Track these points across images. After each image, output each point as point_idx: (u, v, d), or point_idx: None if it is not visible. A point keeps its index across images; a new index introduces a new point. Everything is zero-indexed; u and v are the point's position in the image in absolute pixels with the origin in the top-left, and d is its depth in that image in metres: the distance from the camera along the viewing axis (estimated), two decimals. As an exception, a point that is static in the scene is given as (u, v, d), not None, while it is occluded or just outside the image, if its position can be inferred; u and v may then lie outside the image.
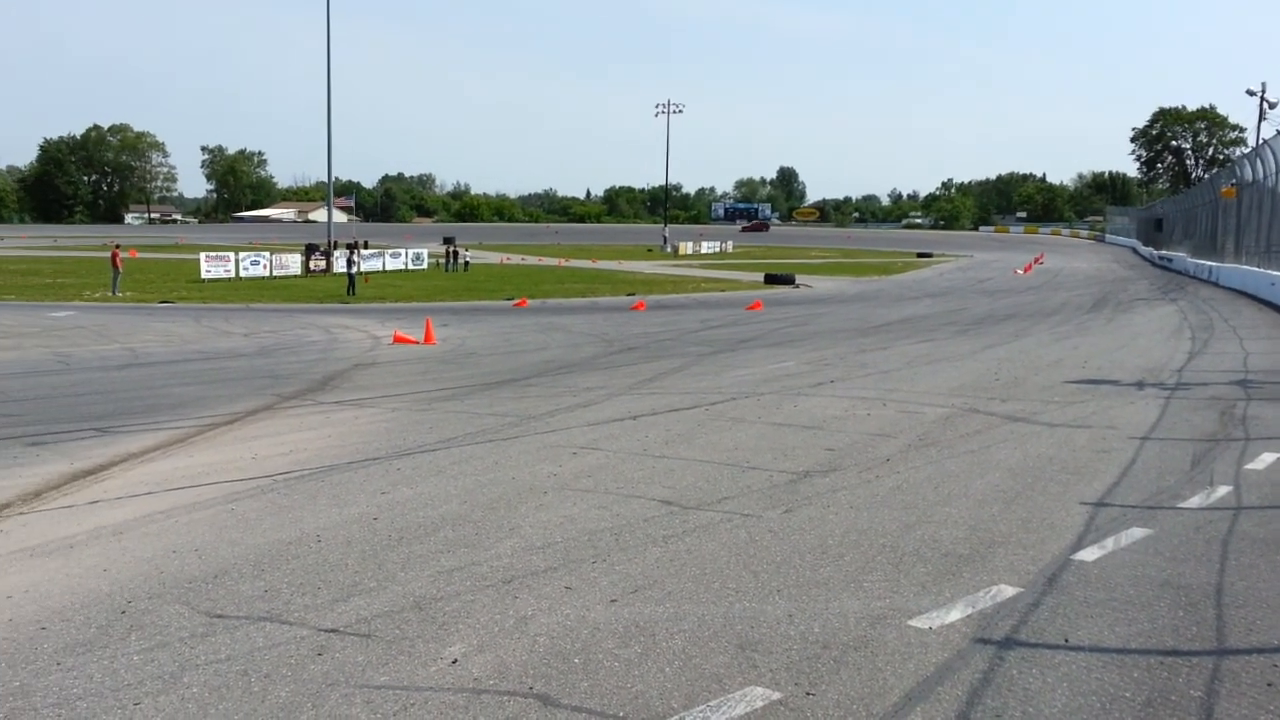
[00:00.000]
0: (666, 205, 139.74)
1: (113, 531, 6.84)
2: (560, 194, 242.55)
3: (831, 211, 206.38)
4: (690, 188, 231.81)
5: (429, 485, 8.22)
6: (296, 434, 10.70)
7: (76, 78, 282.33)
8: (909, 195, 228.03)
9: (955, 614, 5.33)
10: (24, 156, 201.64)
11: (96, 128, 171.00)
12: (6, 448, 9.80)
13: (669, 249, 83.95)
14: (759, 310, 30.90)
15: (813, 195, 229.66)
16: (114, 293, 35.02)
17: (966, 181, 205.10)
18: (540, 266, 61.53)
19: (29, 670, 4.55)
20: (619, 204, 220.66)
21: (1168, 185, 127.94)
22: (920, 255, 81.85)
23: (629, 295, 37.84)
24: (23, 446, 9.87)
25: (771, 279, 47.33)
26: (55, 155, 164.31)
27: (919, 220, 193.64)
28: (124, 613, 5.28)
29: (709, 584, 5.82)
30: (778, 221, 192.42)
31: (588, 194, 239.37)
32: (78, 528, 6.94)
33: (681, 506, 7.56)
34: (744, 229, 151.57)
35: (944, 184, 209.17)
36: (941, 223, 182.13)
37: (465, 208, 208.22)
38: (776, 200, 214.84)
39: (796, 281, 46.59)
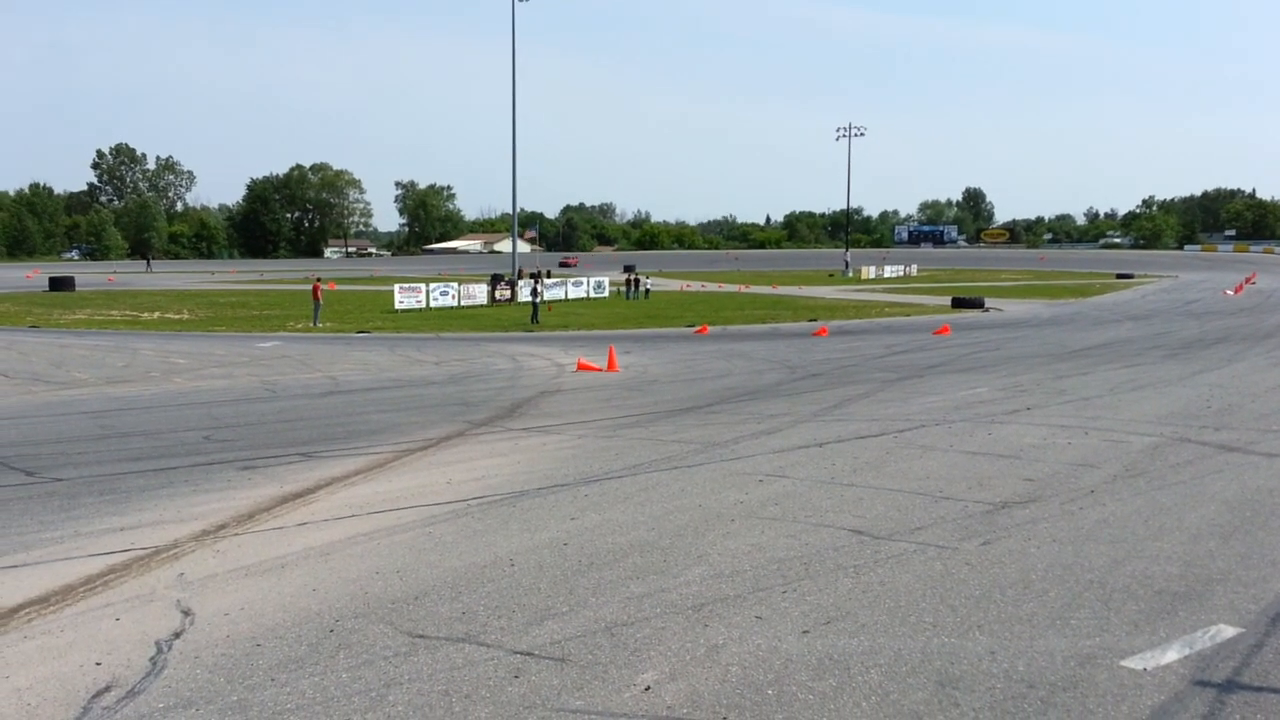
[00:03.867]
0: (848, 229, 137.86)
1: (320, 552, 7.17)
2: (739, 220, 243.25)
3: (1022, 232, 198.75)
4: (872, 211, 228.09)
5: (617, 511, 8.29)
6: (487, 460, 11.00)
7: (281, 120, 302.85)
8: (1106, 214, 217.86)
9: (1171, 654, 4.98)
10: (233, 195, 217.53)
11: (299, 167, 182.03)
12: (221, 471, 10.45)
13: (850, 273, 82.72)
14: (946, 335, 29.97)
15: (1001, 216, 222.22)
16: (315, 323, 37.02)
17: (1169, 198, 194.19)
18: (720, 293, 61.67)
19: (245, 685, 4.80)
20: (799, 229, 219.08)
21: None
22: (1119, 276, 77.77)
23: (811, 320, 37.44)
24: (236, 470, 10.50)
25: (959, 302, 45.89)
26: (261, 194, 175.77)
27: (1117, 240, 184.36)
28: (332, 631, 5.52)
29: (904, 617, 5.62)
30: (964, 243, 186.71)
31: (767, 220, 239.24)
32: (288, 548, 7.31)
33: (872, 536, 7.35)
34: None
35: (1144, 201, 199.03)
36: (1142, 242, 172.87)
37: (645, 235, 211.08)
38: (963, 222, 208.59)
39: (986, 305, 45.00)
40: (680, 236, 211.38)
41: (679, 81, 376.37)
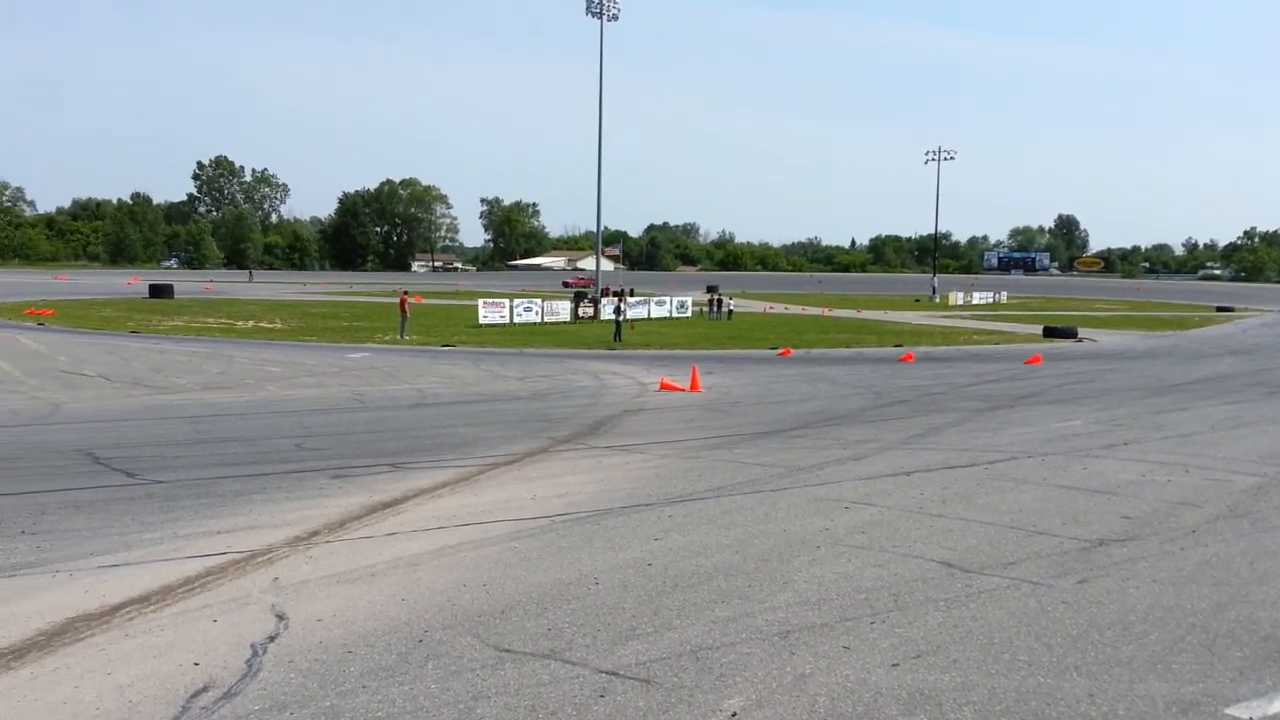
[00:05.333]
0: (935, 254, 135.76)
1: (409, 563, 7.26)
2: (824, 243, 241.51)
3: (1117, 261, 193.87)
4: (961, 236, 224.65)
5: (700, 533, 8.25)
6: (571, 477, 11.05)
7: (373, 136, 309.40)
8: (1205, 244, 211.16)
9: (1278, 704, 4.77)
10: (325, 208, 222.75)
11: (389, 182, 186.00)
12: (313, 479, 10.66)
13: (937, 299, 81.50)
14: (1038, 364, 29.32)
15: (1096, 244, 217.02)
16: (402, 336, 37.72)
17: (1271, 230, 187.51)
18: (803, 316, 61.27)
19: (338, 692, 4.87)
20: (885, 253, 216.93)
21: None
22: (1219, 309, 75.38)
23: (896, 346, 36.97)
24: (328, 479, 10.71)
25: (1051, 332, 44.89)
26: (352, 208, 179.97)
27: (1217, 271, 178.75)
28: (421, 641, 5.58)
29: (998, 654, 5.48)
30: (1056, 271, 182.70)
31: (852, 243, 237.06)
32: (377, 557, 7.42)
33: (963, 569, 7.19)
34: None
35: (1245, 233, 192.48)
36: (1242, 275, 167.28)
37: (728, 256, 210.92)
38: (1056, 249, 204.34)
39: (1079, 335, 43.95)
40: (764, 258, 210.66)
41: (767, 102, 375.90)
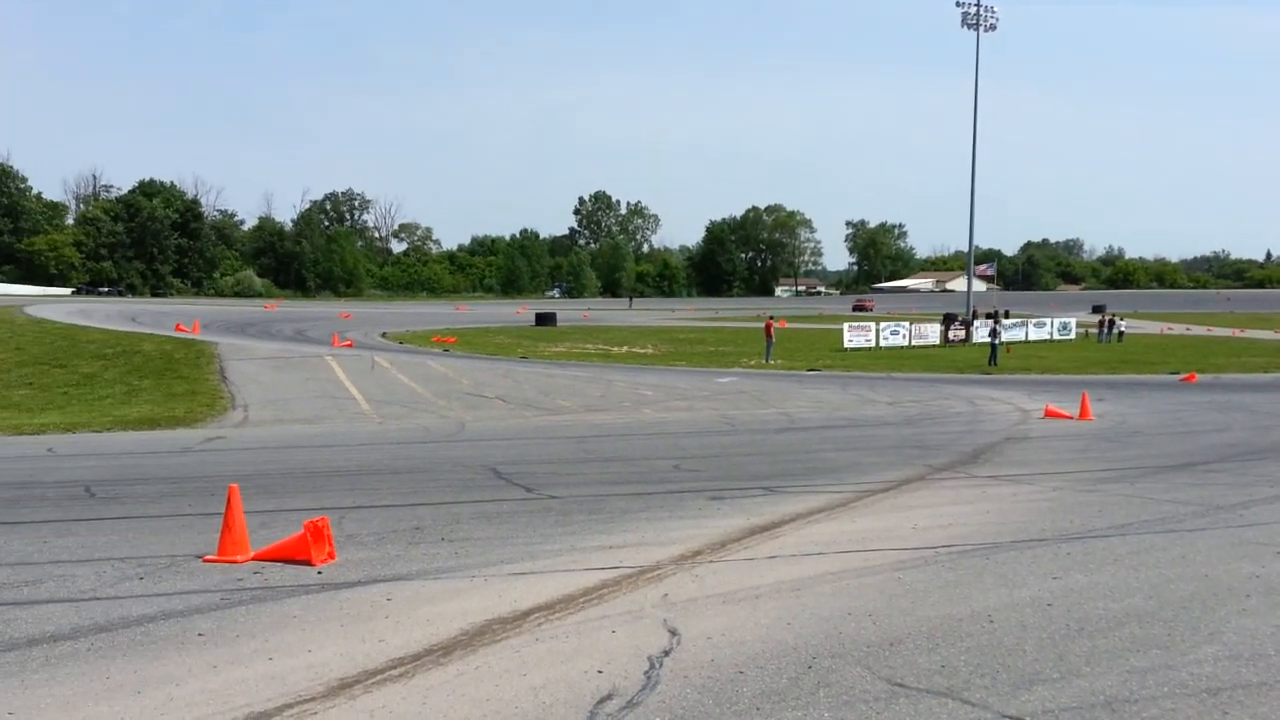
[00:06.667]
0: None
1: (791, 587, 7.23)
2: (1233, 256, 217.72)
3: None
4: None
5: (1105, 574, 7.57)
6: (953, 506, 10.58)
7: (739, 165, 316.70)
8: None
9: None
10: (693, 237, 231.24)
11: (754, 208, 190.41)
12: (693, 499, 10.93)
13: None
14: None
15: None
16: (767, 360, 38.21)
17: None
18: (1208, 337, 55.40)
19: (733, 711, 4.90)
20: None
21: None
22: None
23: (1327, 372, 32.41)
24: (706, 500, 10.94)
25: None
26: (718, 235, 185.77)
27: None
28: (810, 668, 5.51)
29: None
30: None
31: (1268, 256, 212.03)
32: (759, 580, 7.45)
33: None
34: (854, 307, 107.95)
35: None
36: None
37: (1117, 273, 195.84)
38: None
39: None
40: (1159, 274, 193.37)
41: (1155, 103, 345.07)
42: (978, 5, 61.41)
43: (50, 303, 64.14)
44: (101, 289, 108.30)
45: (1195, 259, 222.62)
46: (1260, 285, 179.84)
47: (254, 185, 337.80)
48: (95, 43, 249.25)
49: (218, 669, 5.43)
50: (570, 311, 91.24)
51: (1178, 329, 64.15)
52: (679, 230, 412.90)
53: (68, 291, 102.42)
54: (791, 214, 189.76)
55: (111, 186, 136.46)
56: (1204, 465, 13.38)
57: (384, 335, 52.21)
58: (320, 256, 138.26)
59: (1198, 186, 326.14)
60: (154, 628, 6.13)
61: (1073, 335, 55.07)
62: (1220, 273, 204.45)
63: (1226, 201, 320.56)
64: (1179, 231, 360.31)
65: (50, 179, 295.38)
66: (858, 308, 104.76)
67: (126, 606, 6.54)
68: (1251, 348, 45.93)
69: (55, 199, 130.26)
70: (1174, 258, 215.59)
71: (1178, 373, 32.42)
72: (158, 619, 6.29)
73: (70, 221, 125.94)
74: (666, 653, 5.70)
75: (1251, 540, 8.72)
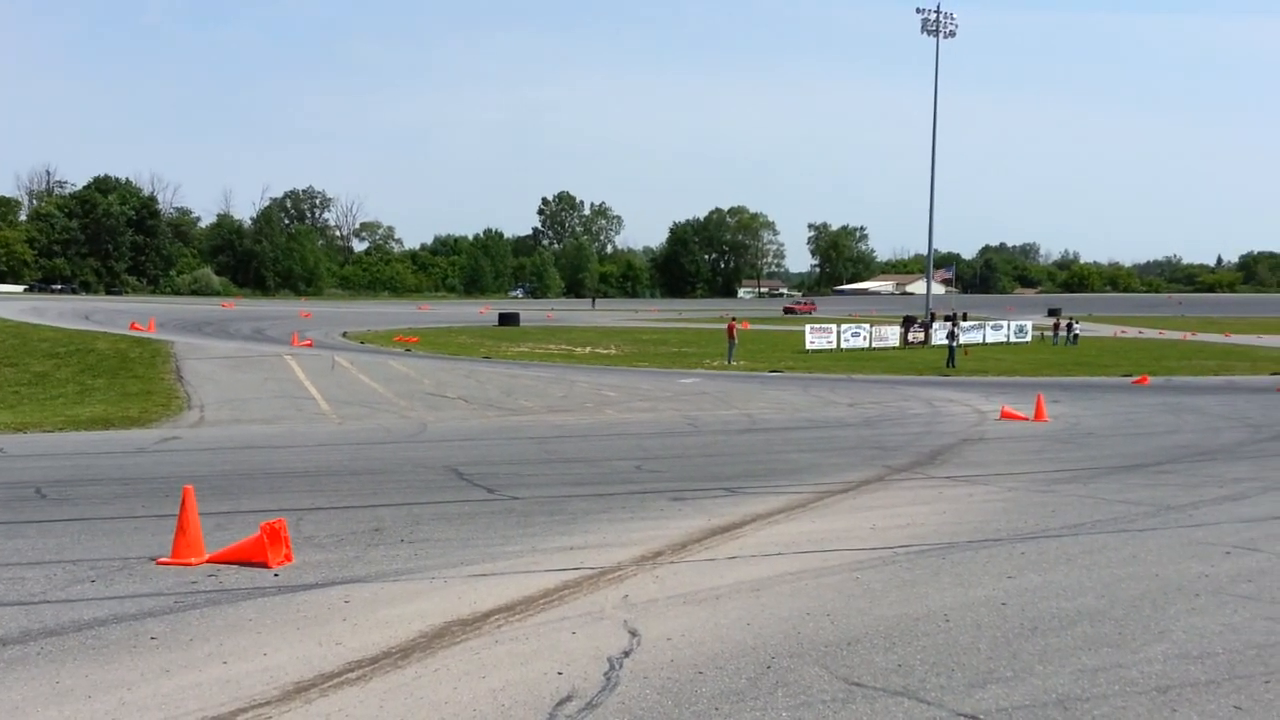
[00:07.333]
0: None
1: (750, 587, 7.26)
2: (1184, 261, 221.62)
3: None
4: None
5: (1059, 574, 7.68)
6: (911, 507, 10.68)
7: (702, 166, 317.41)
8: None
9: None
10: (656, 238, 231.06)
11: (717, 210, 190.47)
12: (654, 500, 10.95)
13: (1322, 321, 72.12)
14: None
15: None
16: (729, 361, 38.34)
17: None
18: (1161, 340, 56.33)
19: (692, 711, 4.92)
20: (1258, 271, 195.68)
21: None
22: None
23: (1273, 374, 33.04)
24: (667, 501, 10.96)
25: None
26: (682, 236, 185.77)
27: None
28: (769, 668, 5.54)
29: None
30: None
31: (1218, 261, 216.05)
32: (720, 580, 7.48)
33: (1385, 632, 6.21)
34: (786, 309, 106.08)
35: None
36: None
37: (1073, 277, 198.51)
38: None
39: None
40: (1113, 278, 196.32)
41: (1111, 109, 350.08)
42: (937, 12, 62.25)
43: (1, 300, 63.01)
44: (55, 286, 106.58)
45: (1148, 263, 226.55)
46: (1211, 289, 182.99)
47: (212, 182, 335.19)
48: (48, 35, 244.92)
49: (170, 673, 5.37)
50: (534, 312, 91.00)
51: (1131, 332, 65.13)
52: (642, 231, 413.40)
53: (20, 289, 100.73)
54: (754, 216, 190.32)
55: (66, 182, 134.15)
56: (1155, 466, 13.61)
57: (345, 335, 51.77)
58: (280, 255, 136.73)
59: (1151, 192, 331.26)
60: (106, 631, 6.04)
61: (1029, 338, 55.79)
62: (1173, 277, 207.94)
63: (1179, 207, 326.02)
64: (1133, 237, 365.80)
65: (2, 174, 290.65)
66: (788, 311, 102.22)
67: (78, 610, 6.44)
68: (1202, 350, 46.74)
69: (7, 194, 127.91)
70: (1128, 262, 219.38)
71: (1130, 375, 32.92)
72: (110, 622, 6.20)
73: (23, 218, 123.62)
74: (626, 654, 5.71)
75: (1201, 540, 8.88)
